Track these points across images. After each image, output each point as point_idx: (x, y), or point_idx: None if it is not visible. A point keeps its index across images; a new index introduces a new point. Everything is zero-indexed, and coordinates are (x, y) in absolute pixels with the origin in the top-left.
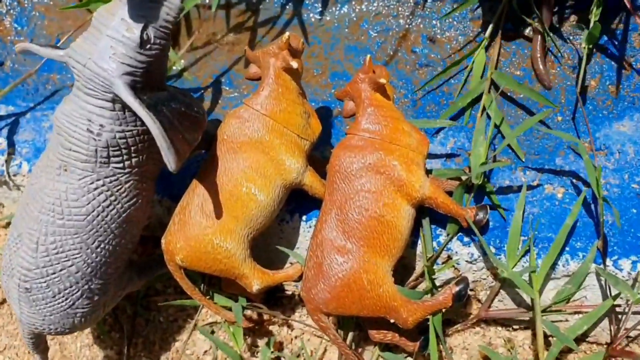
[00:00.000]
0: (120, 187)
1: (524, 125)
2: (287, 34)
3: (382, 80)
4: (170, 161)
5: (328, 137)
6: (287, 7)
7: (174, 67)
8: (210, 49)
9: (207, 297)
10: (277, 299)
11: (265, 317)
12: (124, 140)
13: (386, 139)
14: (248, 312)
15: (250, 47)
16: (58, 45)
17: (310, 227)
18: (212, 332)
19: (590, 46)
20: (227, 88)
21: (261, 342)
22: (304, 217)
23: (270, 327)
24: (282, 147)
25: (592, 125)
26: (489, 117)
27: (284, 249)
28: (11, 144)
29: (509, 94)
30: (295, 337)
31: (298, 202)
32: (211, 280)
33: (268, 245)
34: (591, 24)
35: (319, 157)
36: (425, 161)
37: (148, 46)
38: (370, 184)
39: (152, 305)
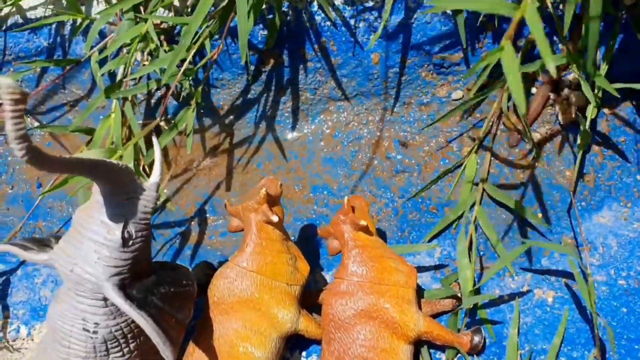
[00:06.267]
0: None
1: (518, 250)
2: (264, 189)
3: (363, 223)
4: (167, 355)
5: (317, 258)
6: (261, 125)
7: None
8: (190, 175)
9: None
10: None
11: None
12: (120, 332)
13: (375, 281)
14: None
15: (228, 169)
16: (39, 187)
17: None
18: None
19: (586, 143)
20: (211, 216)
21: None
22: (304, 354)
23: None
24: (273, 300)
25: (572, 219)
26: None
27: None
28: (5, 307)
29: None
30: None
31: (298, 338)
32: None
33: None
34: (587, 124)
35: (311, 289)
36: (415, 293)
37: (131, 242)
38: (366, 330)
39: None
